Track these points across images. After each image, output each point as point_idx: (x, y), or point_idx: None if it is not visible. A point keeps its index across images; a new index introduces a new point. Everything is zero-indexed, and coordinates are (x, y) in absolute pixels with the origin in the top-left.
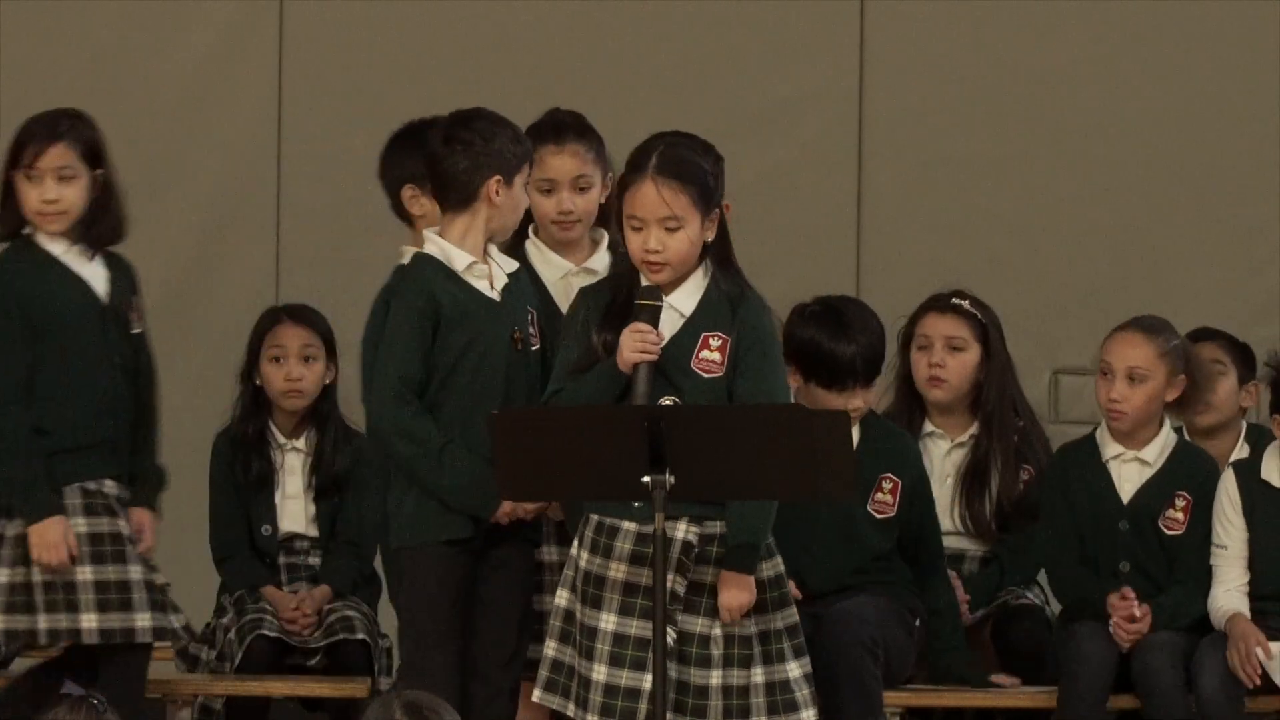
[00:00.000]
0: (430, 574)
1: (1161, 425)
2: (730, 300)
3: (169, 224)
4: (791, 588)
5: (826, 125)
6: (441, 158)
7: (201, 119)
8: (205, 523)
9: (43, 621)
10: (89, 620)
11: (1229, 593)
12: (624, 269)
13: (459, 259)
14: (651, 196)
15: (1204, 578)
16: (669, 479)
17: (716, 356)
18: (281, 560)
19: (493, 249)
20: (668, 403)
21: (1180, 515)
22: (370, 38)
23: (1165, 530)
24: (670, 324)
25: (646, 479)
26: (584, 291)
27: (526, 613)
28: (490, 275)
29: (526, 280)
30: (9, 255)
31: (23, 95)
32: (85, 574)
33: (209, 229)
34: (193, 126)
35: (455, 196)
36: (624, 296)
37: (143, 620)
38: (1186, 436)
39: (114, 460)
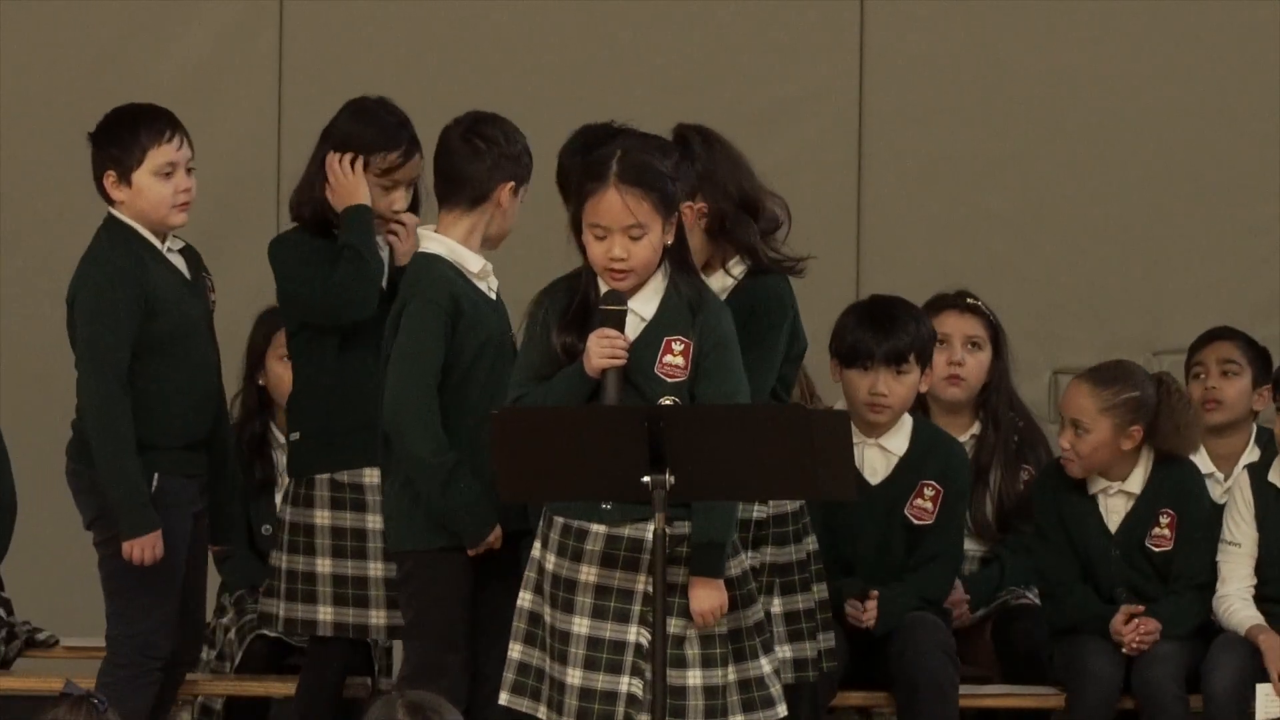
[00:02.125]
0: (443, 577)
1: (1139, 455)
2: (689, 304)
3: None
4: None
5: (826, 125)
6: (460, 155)
7: (201, 119)
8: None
9: (282, 609)
10: (325, 613)
11: (1242, 598)
12: (582, 270)
13: (472, 261)
14: (616, 205)
15: (1197, 585)
16: (669, 479)
17: (680, 361)
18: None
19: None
20: (667, 403)
21: (1166, 531)
22: (370, 38)
23: (1154, 548)
24: (631, 328)
25: (646, 479)
26: (542, 293)
27: None
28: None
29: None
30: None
31: (23, 95)
32: (325, 566)
33: (209, 229)
34: (193, 126)
35: (468, 195)
36: (581, 298)
37: (377, 618)
38: None
39: (373, 449)
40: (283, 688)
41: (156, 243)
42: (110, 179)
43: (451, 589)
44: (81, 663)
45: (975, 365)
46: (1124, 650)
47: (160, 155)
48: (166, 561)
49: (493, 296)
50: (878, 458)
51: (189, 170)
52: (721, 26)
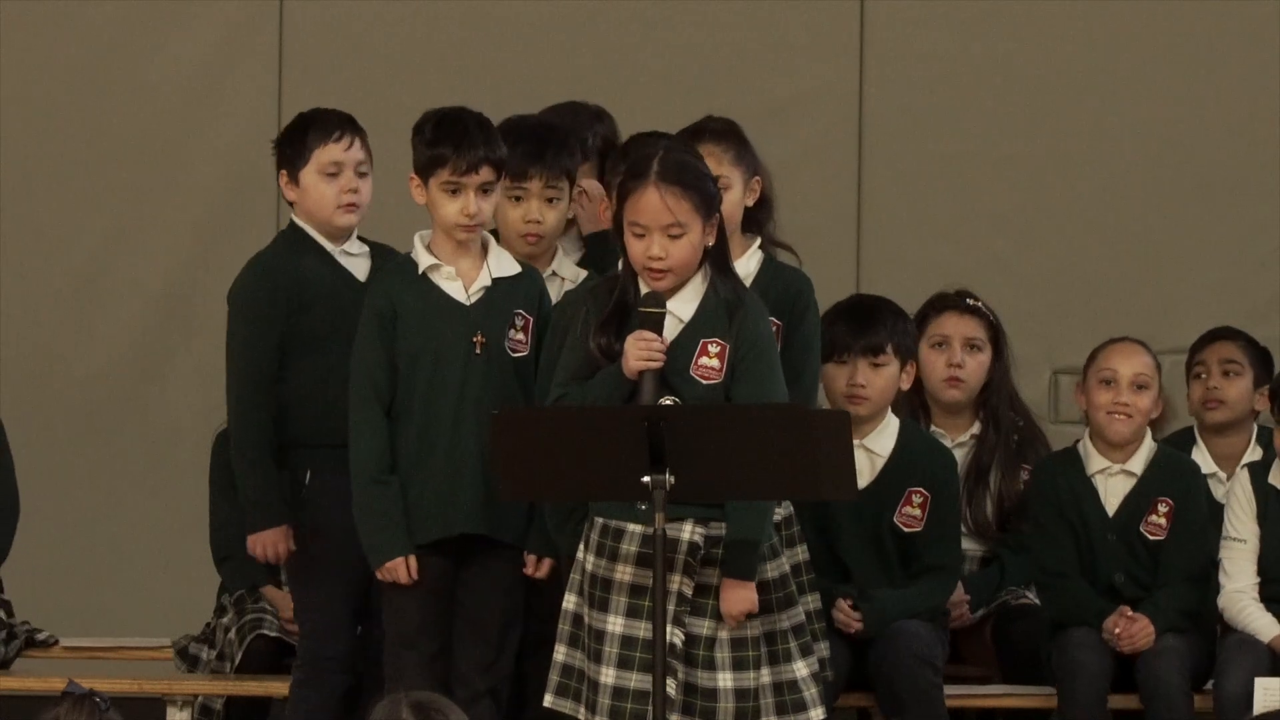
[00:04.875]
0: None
1: (1144, 435)
2: (728, 306)
3: (169, 224)
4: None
5: (826, 125)
6: None
7: (201, 119)
8: (205, 523)
9: None
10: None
11: (1254, 598)
12: (621, 271)
13: (423, 261)
14: (655, 203)
15: (1190, 576)
16: (669, 479)
17: (715, 363)
18: None
19: (494, 248)
20: (668, 402)
21: (1162, 521)
22: (370, 38)
23: (1148, 536)
24: (669, 329)
25: (646, 479)
26: (585, 293)
27: (511, 619)
28: (467, 276)
29: (532, 284)
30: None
31: (23, 95)
32: None
33: (209, 229)
34: (193, 126)
35: None
36: (620, 300)
37: None
38: (1197, 435)
39: None
40: (283, 688)
41: (326, 244)
42: (284, 179)
43: (408, 591)
44: (81, 663)
45: (975, 367)
46: (1120, 649)
47: (326, 154)
48: (331, 559)
49: (462, 299)
50: (863, 460)
51: (361, 173)
52: (721, 26)
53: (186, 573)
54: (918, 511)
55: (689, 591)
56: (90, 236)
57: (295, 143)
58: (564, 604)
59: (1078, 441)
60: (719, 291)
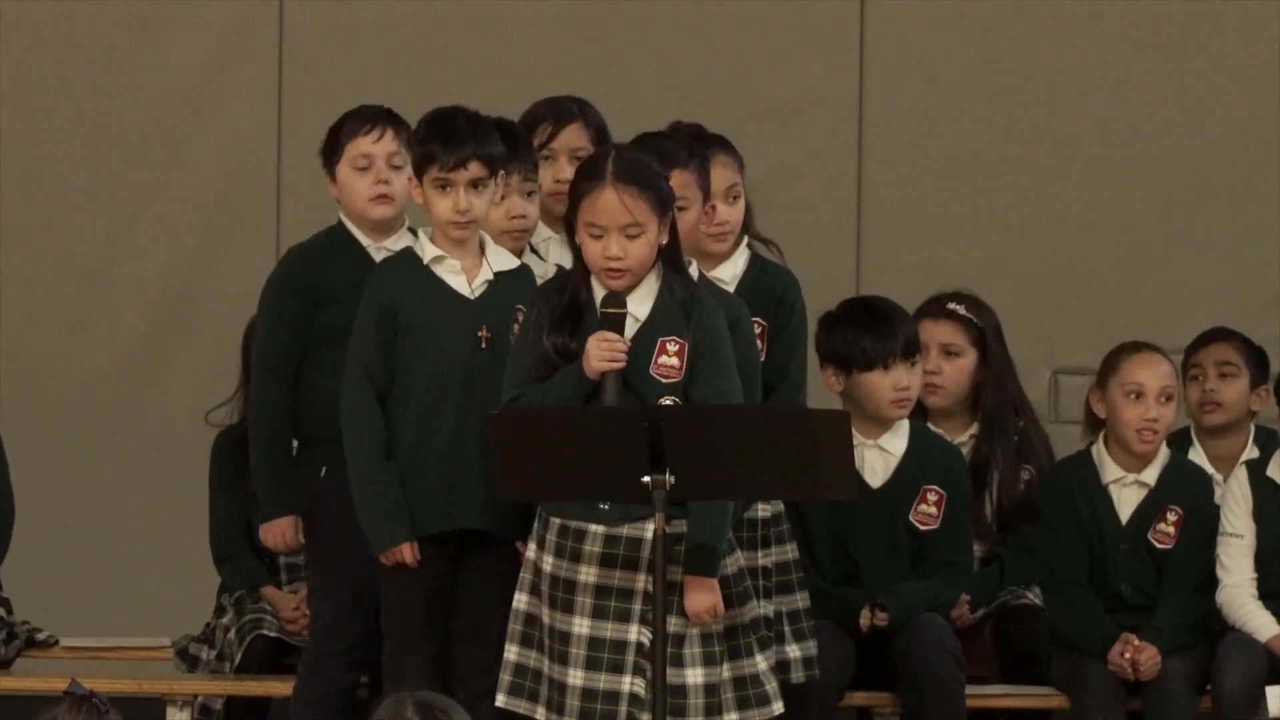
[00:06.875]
0: (400, 581)
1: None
2: (683, 304)
3: (169, 224)
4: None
5: (826, 125)
6: None
7: (201, 119)
8: (205, 523)
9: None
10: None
11: (1251, 594)
12: (573, 270)
13: (428, 253)
14: (613, 203)
15: (1193, 588)
16: (669, 479)
17: (675, 362)
18: (281, 560)
19: (490, 244)
20: (667, 403)
21: (1171, 529)
22: (370, 37)
23: (1155, 544)
24: (626, 329)
25: (646, 479)
26: (535, 294)
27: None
28: (470, 271)
29: (528, 280)
30: None
31: (23, 95)
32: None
33: (209, 229)
34: (193, 126)
35: None
36: (571, 298)
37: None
38: (1194, 437)
39: None
40: (283, 688)
41: (366, 241)
42: (328, 179)
43: (407, 593)
44: (81, 663)
45: (953, 372)
46: (1130, 680)
47: (355, 147)
48: (342, 556)
49: (468, 293)
50: (877, 459)
51: (395, 165)
52: (721, 26)
53: (186, 573)
54: (933, 509)
55: (651, 589)
56: (90, 236)
57: (331, 139)
58: (514, 604)
59: (1090, 445)
60: (673, 290)
